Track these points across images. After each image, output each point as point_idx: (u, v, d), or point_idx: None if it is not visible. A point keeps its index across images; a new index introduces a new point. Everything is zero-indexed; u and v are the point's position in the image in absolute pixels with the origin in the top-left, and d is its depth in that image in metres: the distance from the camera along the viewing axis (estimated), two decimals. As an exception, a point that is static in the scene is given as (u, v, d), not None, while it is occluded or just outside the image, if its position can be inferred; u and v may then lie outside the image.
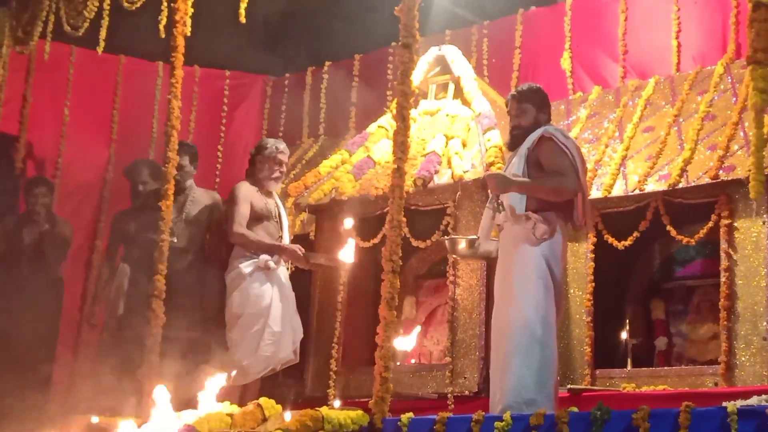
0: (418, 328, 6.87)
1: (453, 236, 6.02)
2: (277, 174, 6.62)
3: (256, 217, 6.45)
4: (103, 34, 6.96)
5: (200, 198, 7.03)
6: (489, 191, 5.40)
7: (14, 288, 7.28)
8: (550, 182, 5.15)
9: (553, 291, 5.11)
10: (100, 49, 6.95)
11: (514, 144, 5.39)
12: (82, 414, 5.64)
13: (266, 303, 6.30)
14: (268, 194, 6.59)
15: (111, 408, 5.74)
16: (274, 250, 6.39)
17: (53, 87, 8.74)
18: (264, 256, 6.33)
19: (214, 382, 5.31)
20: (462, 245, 5.63)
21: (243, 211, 6.39)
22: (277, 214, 6.61)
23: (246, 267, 6.31)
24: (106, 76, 9.05)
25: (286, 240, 6.60)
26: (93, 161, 8.84)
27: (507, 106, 5.53)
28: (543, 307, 5.03)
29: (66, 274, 7.85)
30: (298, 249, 6.37)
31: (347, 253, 6.18)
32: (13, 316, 7.13)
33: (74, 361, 7.94)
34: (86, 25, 6.85)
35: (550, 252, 5.11)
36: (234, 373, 6.09)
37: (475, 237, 5.58)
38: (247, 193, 6.46)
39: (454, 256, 6.03)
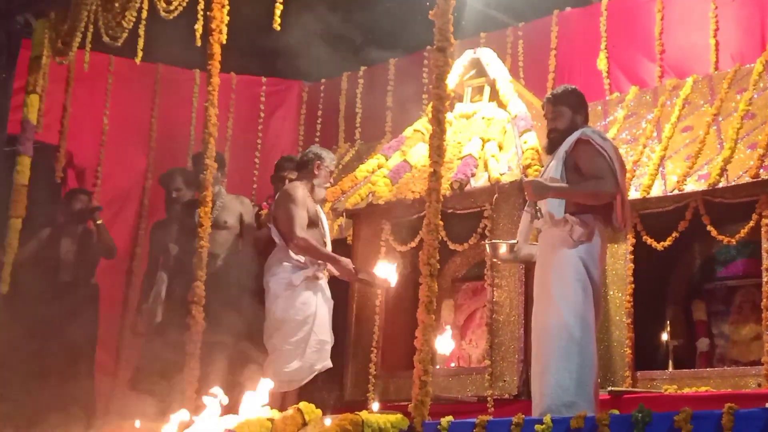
0: (447, 329, 6.85)
1: (494, 240, 5.99)
2: (329, 184, 6.65)
3: (308, 223, 6.38)
4: (140, 43, 7.02)
5: (230, 204, 7.09)
6: (526, 197, 5.38)
7: (53, 296, 7.38)
8: (587, 186, 5.12)
9: (592, 293, 5.08)
10: (138, 59, 7.01)
11: (551, 147, 5.36)
12: (124, 420, 5.69)
13: (312, 311, 6.28)
14: (317, 201, 6.58)
15: (152, 413, 5.78)
16: (330, 260, 6.35)
17: (92, 97, 8.85)
18: (313, 268, 6.30)
19: (261, 387, 5.31)
20: (503, 249, 5.62)
21: (303, 215, 6.32)
22: (321, 222, 6.62)
23: (296, 278, 6.25)
24: (144, 85, 9.15)
25: (329, 248, 6.59)
26: (132, 169, 8.95)
27: (543, 110, 5.51)
28: (581, 309, 5.01)
29: (106, 281, 7.94)
30: (350, 263, 6.38)
31: (391, 276, 6.23)
32: (52, 324, 7.22)
33: (116, 369, 8.02)
34: (125, 35, 6.92)
35: (588, 254, 5.08)
36: (275, 379, 6.13)
37: (514, 241, 5.56)
38: (304, 196, 6.39)
39: (495, 260, 6.01)
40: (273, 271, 6.34)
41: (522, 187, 5.56)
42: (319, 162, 6.51)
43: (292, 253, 6.31)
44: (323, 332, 6.33)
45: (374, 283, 6.46)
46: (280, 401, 6.08)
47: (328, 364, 6.39)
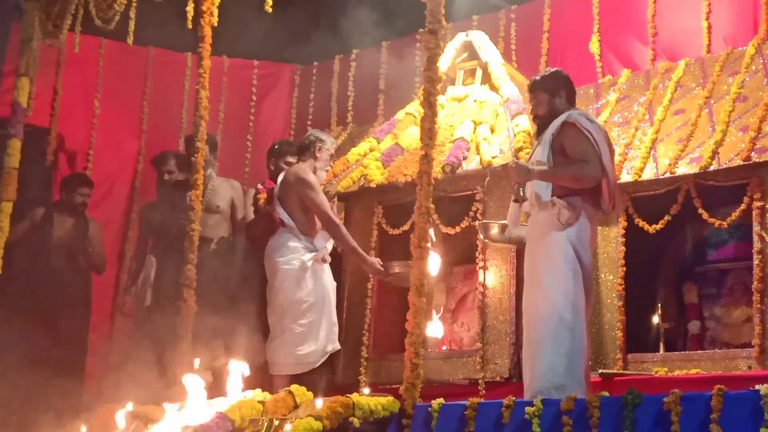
0: (435, 314, 6.85)
1: (485, 221, 6.01)
2: (329, 167, 6.67)
3: None
4: (132, 26, 6.98)
5: (220, 187, 7.08)
6: (512, 181, 5.40)
7: (46, 277, 7.37)
8: (570, 170, 5.16)
9: (582, 276, 5.12)
10: (130, 41, 6.97)
11: (538, 132, 5.43)
12: (115, 402, 5.69)
13: (324, 293, 6.32)
14: None
15: (144, 396, 5.79)
16: (356, 255, 6.38)
17: (83, 79, 8.81)
18: (322, 251, 6.31)
19: (237, 369, 5.31)
20: (494, 230, 5.67)
21: (326, 199, 6.39)
22: None
23: (309, 260, 6.27)
24: (136, 68, 9.12)
25: None
26: (123, 153, 8.93)
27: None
28: (571, 292, 5.05)
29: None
30: (378, 262, 6.38)
31: (433, 265, 6.15)
32: (45, 307, 7.22)
33: (107, 351, 8.02)
34: (116, 18, 6.88)
35: (577, 237, 5.12)
36: (287, 361, 6.15)
37: (506, 222, 5.60)
38: (317, 180, 6.43)
39: (486, 240, 6.02)
40: (282, 252, 6.32)
41: (507, 170, 5.58)
42: (320, 145, 6.51)
43: (301, 236, 6.31)
44: (334, 314, 6.38)
45: (403, 282, 6.41)
46: (287, 383, 6.04)
47: (338, 346, 6.44)
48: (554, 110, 5.35)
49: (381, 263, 6.38)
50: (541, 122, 5.39)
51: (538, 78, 5.48)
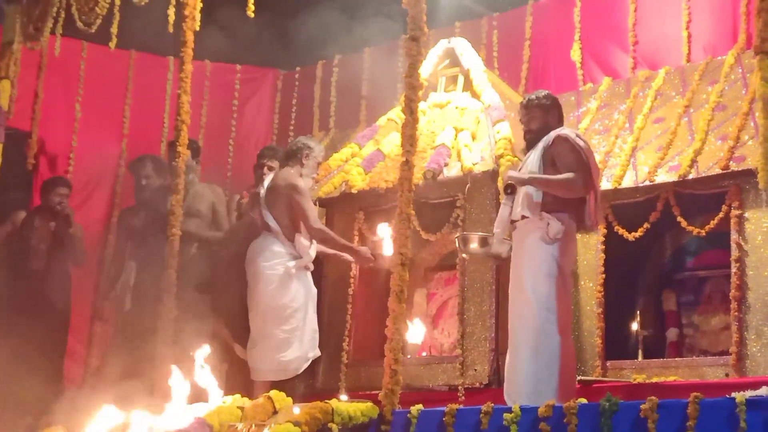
0: (415, 321, 6.86)
1: (465, 233, 6.00)
2: (315, 175, 6.68)
3: None
4: (114, 29, 6.96)
5: (202, 192, 7.08)
6: (500, 187, 5.47)
7: (25, 282, 7.33)
8: (561, 178, 5.31)
9: (565, 288, 5.26)
10: (112, 45, 6.96)
11: (528, 147, 5.61)
12: (94, 406, 5.67)
13: (306, 299, 6.32)
14: None
15: (122, 400, 5.77)
16: (348, 250, 6.44)
17: (65, 83, 8.77)
18: (308, 258, 6.31)
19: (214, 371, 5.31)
20: (474, 244, 5.72)
21: (312, 205, 6.41)
22: None
23: (293, 266, 6.26)
24: (118, 72, 9.09)
25: None
26: (105, 157, 8.88)
27: (519, 115, 5.73)
28: (554, 304, 5.18)
29: (77, 269, 7.88)
30: (368, 251, 6.42)
31: (387, 247, 6.25)
32: (23, 311, 7.17)
33: (86, 355, 7.99)
34: (98, 21, 6.86)
35: (561, 252, 5.27)
36: (269, 367, 6.15)
37: (487, 234, 5.65)
38: (305, 185, 6.43)
39: (464, 255, 6.05)
40: (266, 257, 6.30)
41: (496, 177, 5.66)
42: (308, 152, 6.51)
43: (286, 242, 6.30)
44: (315, 321, 6.38)
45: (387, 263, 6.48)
46: (268, 388, 6.04)
47: (318, 352, 6.44)
48: (546, 126, 5.53)
49: (371, 252, 6.42)
50: (532, 137, 5.56)
51: (532, 97, 5.66)
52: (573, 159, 5.33)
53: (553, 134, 5.44)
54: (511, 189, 5.40)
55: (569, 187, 5.30)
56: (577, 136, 5.49)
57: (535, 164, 5.40)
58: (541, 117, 5.56)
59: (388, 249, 6.21)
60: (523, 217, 5.35)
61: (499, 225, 5.57)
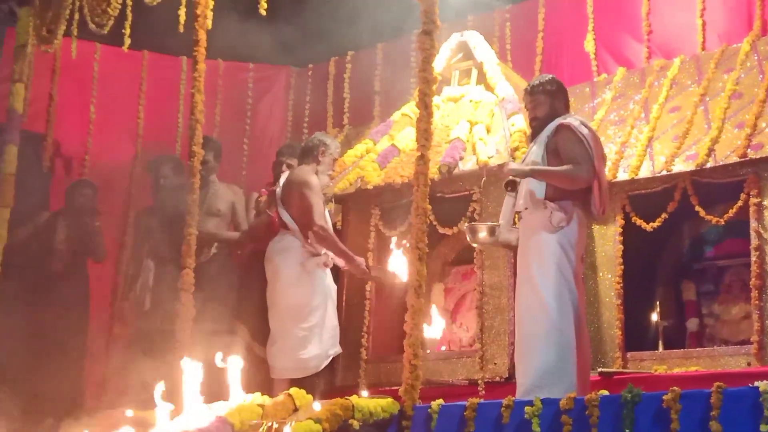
0: (433, 308, 6.84)
1: (473, 223, 5.98)
2: (332, 171, 6.65)
3: None
4: (127, 30, 6.97)
5: (222, 192, 7.09)
6: (503, 181, 5.43)
7: (44, 282, 7.36)
8: (563, 169, 5.25)
9: (572, 277, 5.19)
10: (125, 46, 6.97)
11: (534, 135, 5.53)
12: (115, 407, 5.69)
13: (326, 296, 6.32)
14: None
15: (143, 401, 5.78)
16: (344, 256, 6.36)
17: (79, 85, 8.79)
18: (325, 256, 6.29)
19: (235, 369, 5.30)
20: (482, 234, 5.66)
21: (321, 202, 6.35)
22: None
23: (311, 264, 6.26)
24: (131, 73, 9.09)
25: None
26: (119, 158, 8.89)
27: (523, 102, 5.65)
28: (560, 293, 5.13)
29: (96, 269, 7.92)
30: (363, 263, 6.40)
31: (401, 270, 6.24)
32: (44, 313, 7.20)
33: (106, 356, 8.01)
34: (111, 22, 6.86)
35: (567, 240, 5.21)
36: (290, 365, 6.14)
37: (495, 224, 5.62)
38: (318, 183, 6.40)
39: (474, 244, 6.02)
40: (284, 255, 6.31)
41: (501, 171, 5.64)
42: (323, 149, 6.50)
43: (304, 240, 6.29)
44: (335, 318, 6.38)
45: (386, 280, 6.47)
46: (288, 386, 6.03)
47: (339, 349, 6.44)
48: (553, 113, 5.45)
49: (366, 263, 6.39)
50: (539, 124, 5.48)
51: (537, 83, 5.57)
52: (576, 150, 5.26)
53: (556, 122, 5.37)
54: (511, 186, 5.37)
55: (571, 179, 5.24)
56: (582, 123, 5.39)
57: (538, 155, 5.35)
58: (547, 103, 5.48)
59: (402, 274, 6.21)
60: (526, 208, 5.32)
61: (504, 217, 5.59)
